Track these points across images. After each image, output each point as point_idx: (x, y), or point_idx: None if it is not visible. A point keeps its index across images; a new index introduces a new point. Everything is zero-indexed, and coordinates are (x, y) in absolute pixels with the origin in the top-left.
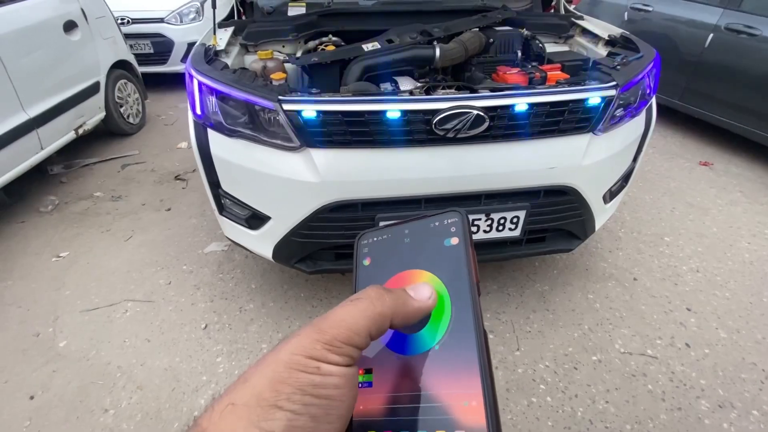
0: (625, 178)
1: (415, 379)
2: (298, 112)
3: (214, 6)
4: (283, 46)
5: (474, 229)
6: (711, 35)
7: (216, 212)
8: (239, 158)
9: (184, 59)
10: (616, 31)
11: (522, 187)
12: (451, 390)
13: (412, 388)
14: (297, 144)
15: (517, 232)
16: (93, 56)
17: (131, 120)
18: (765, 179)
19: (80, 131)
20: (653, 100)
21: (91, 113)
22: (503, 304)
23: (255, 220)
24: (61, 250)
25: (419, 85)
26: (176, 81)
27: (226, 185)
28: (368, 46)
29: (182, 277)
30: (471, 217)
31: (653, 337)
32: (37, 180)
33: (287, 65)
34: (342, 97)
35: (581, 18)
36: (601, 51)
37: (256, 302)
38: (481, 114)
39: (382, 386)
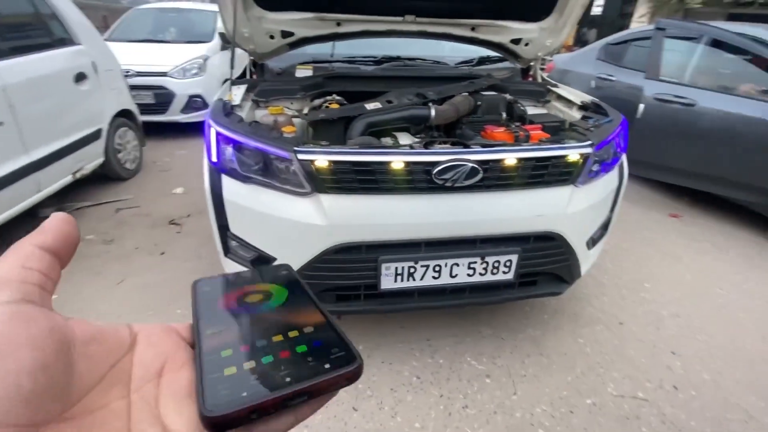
0: (605, 226)
1: (263, 321)
2: (311, 161)
3: (232, 66)
4: (292, 103)
5: (470, 272)
6: (642, 105)
7: (221, 254)
8: (250, 202)
9: (183, 110)
10: (587, 98)
11: (513, 233)
12: (295, 317)
13: (261, 324)
14: (308, 189)
15: (510, 275)
16: (99, 105)
17: (128, 165)
18: (729, 230)
19: (78, 175)
20: (624, 158)
21: (91, 158)
22: (498, 349)
23: (260, 262)
24: None
25: (417, 140)
26: (174, 130)
27: (234, 228)
28: (370, 106)
29: (177, 321)
30: (467, 260)
31: (643, 380)
32: (26, 223)
33: (295, 120)
34: (352, 148)
35: (556, 86)
36: (575, 114)
37: None
38: (476, 166)
39: (233, 330)
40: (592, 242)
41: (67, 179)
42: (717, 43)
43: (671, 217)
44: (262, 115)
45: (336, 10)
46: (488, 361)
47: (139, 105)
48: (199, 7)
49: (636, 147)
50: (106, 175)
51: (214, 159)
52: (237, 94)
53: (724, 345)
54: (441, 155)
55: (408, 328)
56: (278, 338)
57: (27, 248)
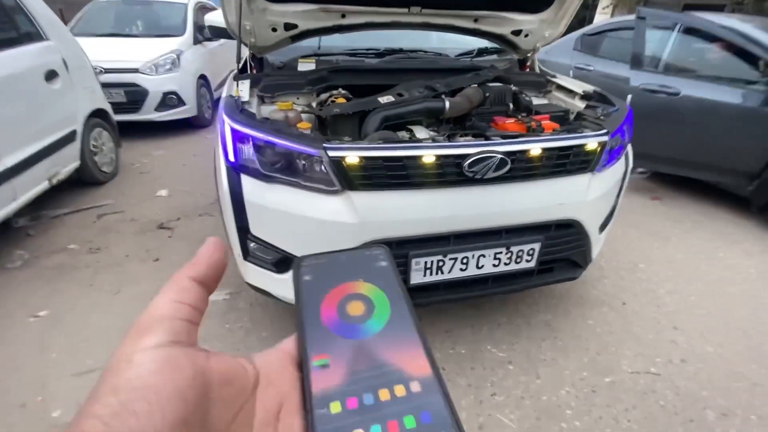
0: (612, 211)
1: (368, 355)
2: (342, 158)
3: (238, 61)
4: (297, 98)
5: (495, 262)
6: (629, 95)
7: (239, 258)
8: (274, 202)
9: (158, 108)
10: (589, 87)
11: (536, 222)
12: (398, 357)
13: (366, 362)
14: (338, 187)
15: (532, 263)
16: (72, 105)
17: (105, 168)
18: (708, 209)
19: (54, 180)
20: (629, 146)
21: (66, 162)
22: (515, 335)
23: (284, 263)
24: (39, 309)
25: (434, 133)
26: (148, 129)
27: (255, 229)
28: (383, 99)
29: None
30: (493, 251)
31: (653, 355)
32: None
33: (303, 115)
34: (383, 144)
35: (554, 76)
36: (579, 104)
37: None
38: (504, 157)
39: (339, 365)
40: (603, 227)
41: (44, 185)
42: (694, 32)
43: (653, 200)
44: (271, 110)
45: (341, 1)
46: (508, 348)
47: (111, 104)
48: None
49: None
50: (82, 180)
51: (232, 158)
52: (243, 89)
53: (720, 318)
54: (471, 147)
55: (426, 321)
56: (385, 395)
57: (182, 282)
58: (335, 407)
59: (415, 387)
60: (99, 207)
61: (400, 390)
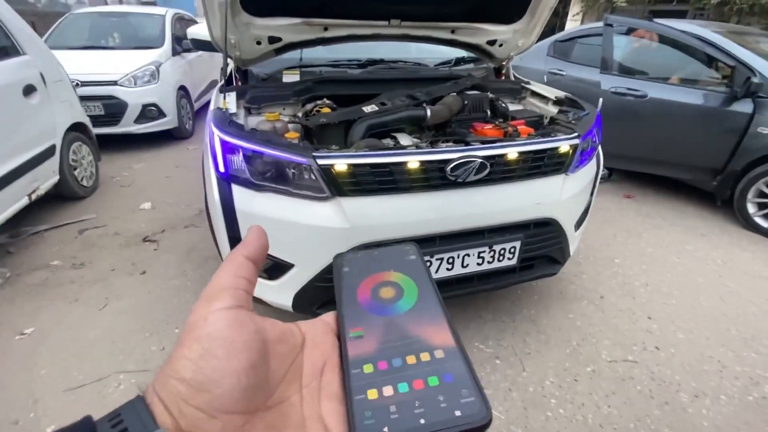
0: (586, 210)
1: (397, 329)
2: (330, 165)
3: (224, 74)
4: (284, 109)
5: (479, 260)
6: (600, 99)
7: None
8: (265, 210)
9: (137, 120)
10: (560, 93)
11: (516, 221)
12: (425, 330)
13: (395, 333)
14: (328, 194)
15: (514, 261)
16: (50, 119)
17: (85, 183)
18: (677, 205)
19: (33, 196)
20: (599, 148)
21: (46, 177)
22: (501, 332)
23: (275, 270)
24: (24, 327)
25: (417, 140)
26: (127, 142)
27: None
28: (367, 108)
29: (175, 340)
30: (477, 250)
31: (629, 344)
32: None
33: (290, 126)
34: (368, 151)
35: (528, 83)
36: (551, 109)
37: None
38: (484, 161)
39: (372, 336)
40: (578, 225)
41: (23, 202)
42: (661, 39)
43: (626, 197)
44: (258, 121)
45: (324, 15)
46: (494, 344)
47: (89, 117)
48: (144, 10)
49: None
50: (62, 195)
51: (222, 169)
52: (230, 101)
53: (690, 306)
54: (453, 153)
55: None
56: (412, 360)
57: (238, 259)
58: (368, 368)
59: (439, 354)
60: (80, 222)
61: (425, 356)
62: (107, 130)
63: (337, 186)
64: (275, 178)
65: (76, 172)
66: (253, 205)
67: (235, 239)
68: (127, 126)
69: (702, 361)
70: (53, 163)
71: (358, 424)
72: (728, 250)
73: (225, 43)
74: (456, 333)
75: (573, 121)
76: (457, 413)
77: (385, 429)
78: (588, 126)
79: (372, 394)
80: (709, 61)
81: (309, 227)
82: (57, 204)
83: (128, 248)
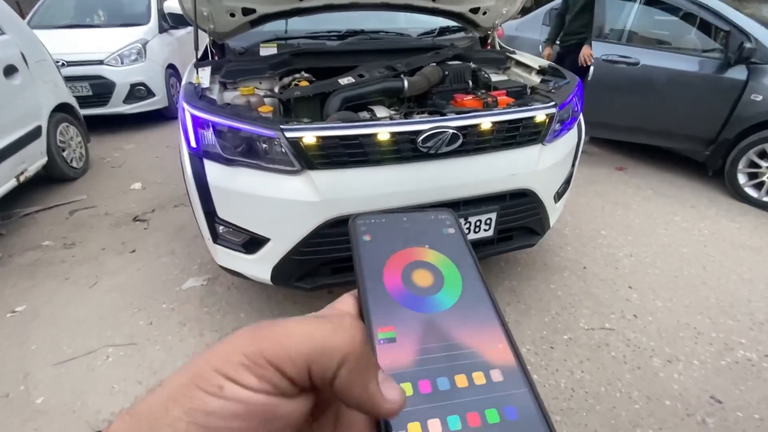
0: (567, 181)
1: (440, 333)
2: (299, 138)
3: (196, 48)
4: (260, 83)
5: None
6: (592, 67)
7: (209, 241)
8: (238, 185)
9: (126, 101)
10: (544, 62)
11: (491, 193)
12: (475, 339)
13: (438, 340)
14: (297, 167)
15: (490, 232)
16: (34, 100)
17: (74, 164)
18: (668, 177)
19: (22, 178)
20: (581, 117)
21: (33, 159)
22: None
23: (252, 244)
24: (16, 305)
25: (393, 112)
26: (117, 123)
27: (222, 213)
28: (343, 81)
29: (164, 315)
30: None
31: (608, 313)
32: None
33: (266, 100)
34: (338, 123)
35: (513, 52)
36: (535, 79)
37: None
38: (456, 132)
39: (407, 341)
40: (558, 196)
41: (11, 183)
42: (655, 3)
43: (617, 170)
44: (233, 96)
45: None
46: None
47: (77, 98)
48: None
49: (588, 109)
50: (52, 177)
51: (194, 145)
52: (204, 76)
53: (672, 276)
54: (424, 124)
55: None
56: (462, 382)
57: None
58: (406, 389)
59: (497, 376)
60: (71, 203)
61: (479, 377)
62: (96, 111)
63: (306, 159)
64: (246, 152)
65: (64, 154)
66: (226, 180)
67: (210, 214)
68: (116, 106)
69: (678, 328)
70: (40, 144)
71: None
72: (716, 221)
73: (195, 15)
74: (515, 346)
75: (552, 90)
76: None
77: None
78: (567, 95)
79: (413, 429)
80: (703, 27)
81: (281, 201)
82: (48, 186)
83: (118, 228)
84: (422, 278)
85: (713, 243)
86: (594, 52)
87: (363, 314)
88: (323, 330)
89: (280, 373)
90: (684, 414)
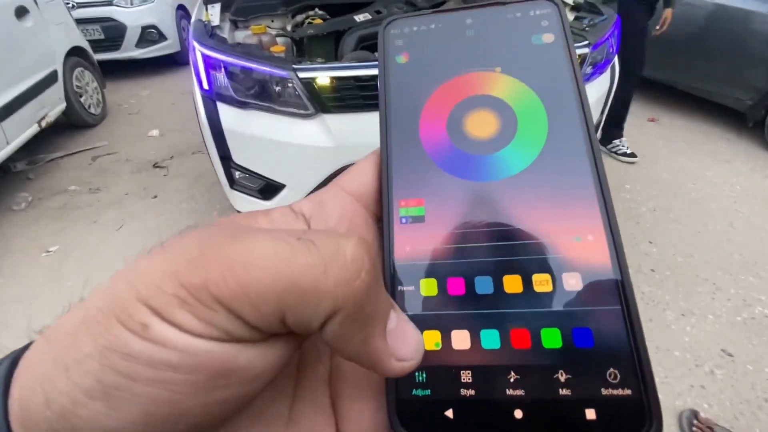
0: (596, 128)
1: (495, 211)
2: (312, 79)
3: None
4: (272, 21)
5: None
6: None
7: (226, 187)
8: (252, 129)
9: (138, 44)
10: None
11: None
12: (553, 222)
13: (491, 221)
14: (311, 111)
15: None
16: (47, 43)
17: (92, 110)
18: (703, 128)
19: (43, 123)
20: (615, 60)
21: (52, 104)
22: None
23: (268, 190)
24: (49, 245)
25: None
26: (131, 68)
27: (237, 158)
28: (359, 17)
29: None
30: None
31: None
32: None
33: (279, 39)
34: (353, 63)
35: None
36: (569, 15)
37: None
38: None
39: (441, 221)
40: None
41: (34, 129)
42: None
43: (650, 121)
44: (245, 35)
45: None
46: None
47: (89, 42)
48: None
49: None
50: (73, 123)
51: (206, 86)
52: (214, 13)
53: (695, 231)
54: None
55: None
56: (515, 285)
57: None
58: (428, 287)
59: (573, 283)
60: (93, 149)
61: (542, 282)
62: (110, 55)
63: (320, 101)
64: (259, 94)
65: (82, 99)
66: (240, 123)
67: (226, 159)
68: (129, 51)
69: (696, 284)
70: (57, 89)
71: (400, 387)
72: (749, 176)
73: None
74: (618, 241)
75: (587, 29)
76: (591, 416)
77: (450, 413)
78: (602, 33)
79: (429, 340)
80: None
81: (294, 146)
82: (69, 132)
83: (139, 174)
84: (481, 124)
85: (744, 199)
86: None
87: (383, 178)
88: (306, 264)
89: (234, 316)
90: (692, 364)
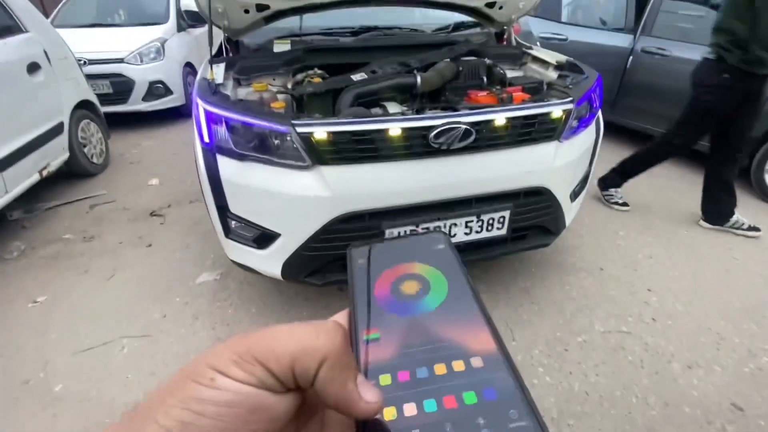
0: (585, 180)
1: (422, 331)
2: (309, 134)
3: (210, 44)
4: (274, 79)
5: (467, 230)
6: (630, 57)
7: (221, 236)
8: (250, 180)
9: (145, 98)
10: (562, 57)
11: (505, 190)
12: (457, 333)
13: (420, 337)
14: (308, 162)
15: (503, 231)
16: (56, 97)
17: (95, 160)
18: (689, 176)
19: (44, 173)
20: (599, 114)
21: (56, 154)
22: (493, 302)
23: (263, 239)
24: (37, 295)
25: (406, 108)
26: (136, 120)
27: (234, 208)
28: (356, 77)
29: (177, 308)
30: (464, 219)
31: (625, 315)
32: None
33: (279, 96)
34: (349, 118)
35: (530, 48)
36: (552, 74)
37: (260, 325)
38: (469, 128)
39: (390, 340)
40: (575, 195)
41: (34, 178)
42: None
43: None
44: (247, 92)
45: None
46: None
47: (97, 96)
48: None
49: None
50: (74, 172)
51: (207, 140)
52: (218, 72)
53: (693, 278)
54: (436, 119)
55: None
56: (441, 369)
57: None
58: (384, 379)
59: (477, 362)
60: (91, 198)
61: (458, 365)
62: (117, 108)
63: (317, 154)
64: (258, 147)
65: (85, 150)
66: (238, 175)
67: (222, 209)
68: (136, 104)
69: (699, 333)
70: (62, 140)
71: None
72: None
73: (210, 11)
74: (498, 335)
75: (570, 86)
76: None
77: None
78: (584, 90)
79: (389, 413)
80: None
81: (292, 196)
82: (69, 181)
83: (136, 222)
84: (409, 287)
85: (738, 245)
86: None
87: (351, 324)
88: (307, 332)
89: (265, 369)
90: (703, 421)
